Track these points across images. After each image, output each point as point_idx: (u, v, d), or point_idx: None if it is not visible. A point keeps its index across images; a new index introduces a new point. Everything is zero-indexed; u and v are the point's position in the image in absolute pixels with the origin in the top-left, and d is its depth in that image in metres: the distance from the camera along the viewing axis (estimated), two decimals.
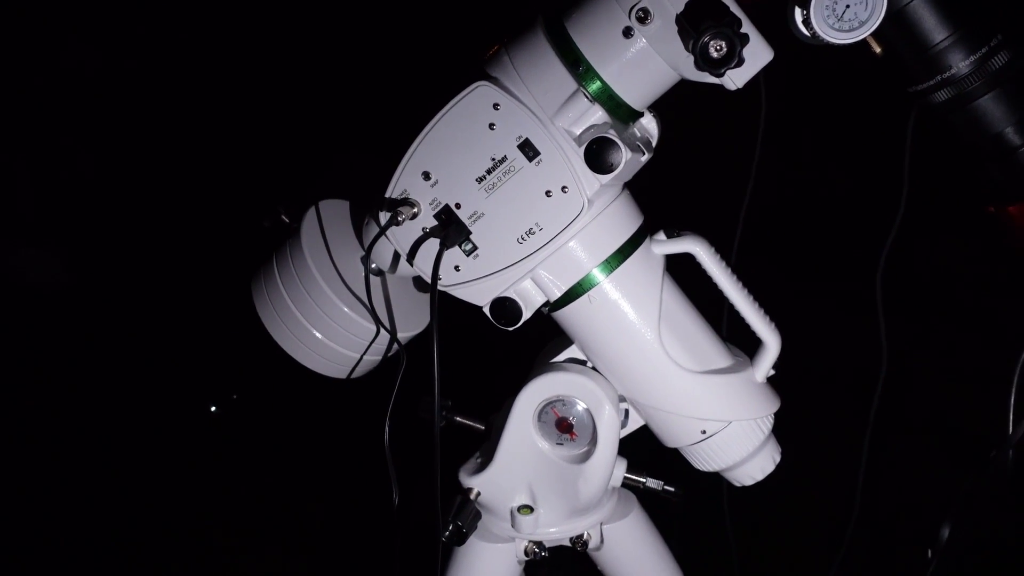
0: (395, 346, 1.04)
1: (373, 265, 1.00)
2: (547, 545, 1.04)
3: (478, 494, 1.01)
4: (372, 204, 0.95)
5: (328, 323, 1.00)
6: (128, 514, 2.44)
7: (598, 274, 0.90)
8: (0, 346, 2.98)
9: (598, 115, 0.83)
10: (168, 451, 2.64)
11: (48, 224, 3.47)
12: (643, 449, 1.04)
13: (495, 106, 0.83)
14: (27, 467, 2.54)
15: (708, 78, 0.81)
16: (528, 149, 0.83)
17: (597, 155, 0.82)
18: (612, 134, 0.81)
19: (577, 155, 0.83)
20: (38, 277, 3.21)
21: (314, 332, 1.01)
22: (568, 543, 1.05)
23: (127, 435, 2.68)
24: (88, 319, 3.09)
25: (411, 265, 0.91)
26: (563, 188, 0.84)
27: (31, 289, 3.18)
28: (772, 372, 0.96)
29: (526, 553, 1.04)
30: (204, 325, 2.69)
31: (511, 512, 1.01)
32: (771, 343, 0.94)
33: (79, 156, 3.56)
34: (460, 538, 0.97)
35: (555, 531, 1.02)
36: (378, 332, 1.00)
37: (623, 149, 0.81)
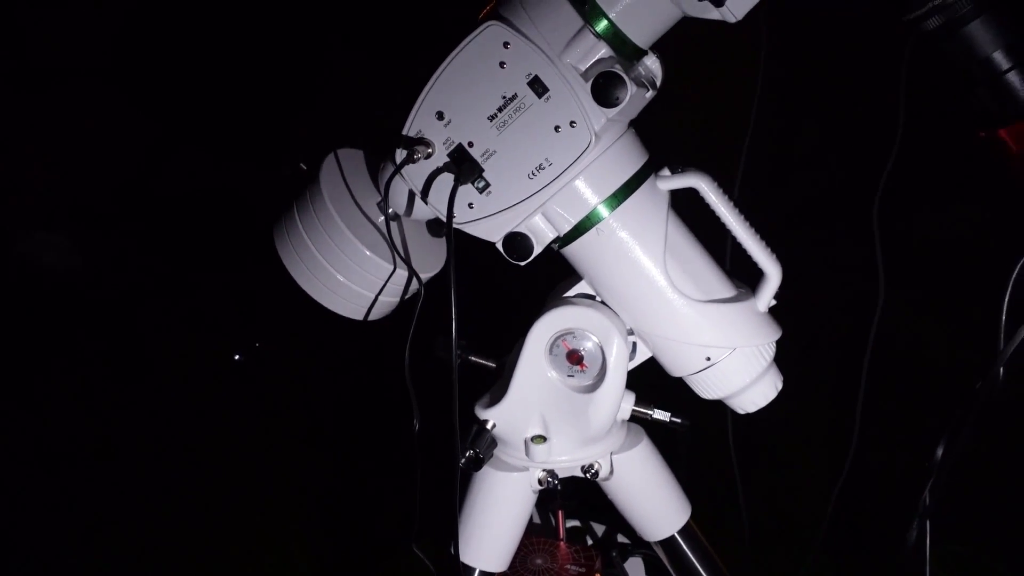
0: (412, 287, 1.08)
1: (390, 210, 1.04)
2: (559, 474, 1.09)
3: (493, 425, 1.06)
4: (387, 148, 0.98)
5: (348, 264, 1.04)
6: (164, 472, 2.52)
7: (605, 208, 0.94)
8: (16, 329, 3.03)
9: (603, 51, 0.87)
10: (191, 414, 2.71)
11: (60, 207, 3.50)
12: (649, 385, 1.09)
13: (505, 45, 0.87)
14: (42, 446, 2.60)
15: (709, 12, 0.84)
16: (537, 86, 0.87)
17: (604, 89, 0.85)
18: (618, 68, 0.85)
19: (584, 90, 0.86)
20: (51, 260, 3.24)
21: (335, 273, 1.05)
22: (579, 472, 1.09)
23: (147, 409, 2.75)
24: (102, 300, 3.14)
25: (426, 203, 0.95)
26: (571, 123, 0.88)
27: (44, 272, 3.22)
28: (774, 302, 1.01)
29: (540, 482, 1.09)
30: (222, 283, 2.75)
31: (525, 442, 1.06)
32: (772, 273, 0.98)
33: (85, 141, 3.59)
34: (477, 464, 1.02)
35: (567, 459, 1.07)
36: (395, 270, 1.04)
37: (628, 83, 0.85)
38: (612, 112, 0.86)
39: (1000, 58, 0.79)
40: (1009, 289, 0.84)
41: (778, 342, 1.01)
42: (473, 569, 1.10)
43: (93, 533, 2.31)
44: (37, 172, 3.58)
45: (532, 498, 1.11)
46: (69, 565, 2.22)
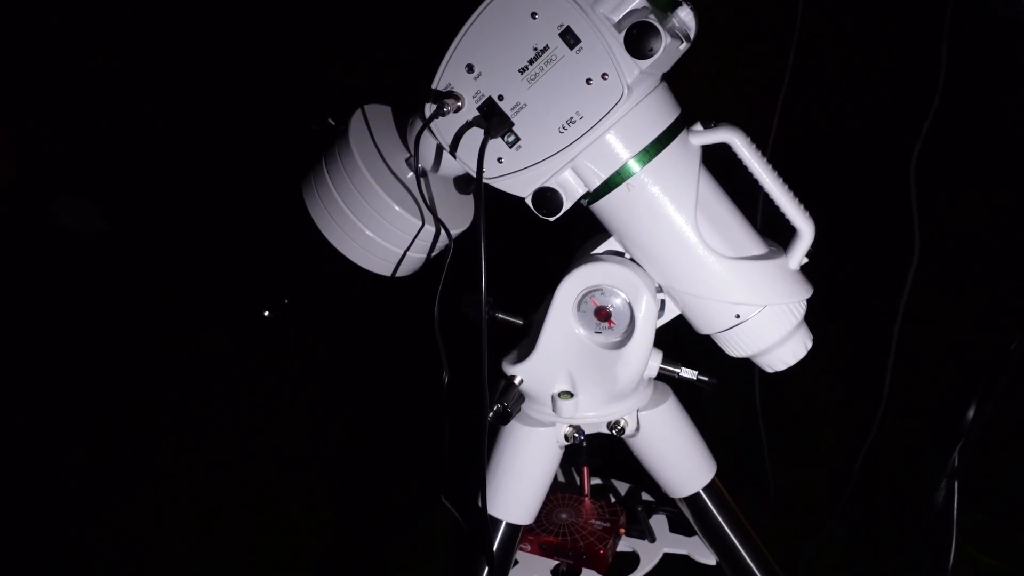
0: (439, 243, 1.08)
1: (419, 166, 1.04)
2: (585, 431, 1.10)
3: (521, 381, 1.06)
4: (416, 103, 0.98)
5: (377, 219, 1.04)
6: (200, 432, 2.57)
7: (636, 163, 0.93)
8: (40, 294, 3.08)
9: (637, 1, 0.85)
10: (221, 370, 2.76)
11: (84, 173, 3.53)
12: (677, 343, 1.09)
13: None
14: (67, 413, 2.65)
15: None
16: (569, 37, 0.86)
17: (637, 40, 0.84)
18: (652, 19, 0.83)
19: (617, 41, 0.85)
20: (75, 225, 3.27)
21: (363, 229, 1.05)
22: (606, 429, 1.10)
23: (176, 366, 2.80)
24: (128, 264, 3.17)
25: (454, 157, 0.95)
26: (603, 75, 0.86)
27: (69, 237, 3.26)
28: (806, 260, 0.99)
29: (566, 438, 1.10)
30: (250, 240, 2.77)
31: (552, 398, 1.07)
32: (805, 230, 0.97)
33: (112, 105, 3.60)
34: (505, 418, 1.03)
35: (593, 415, 1.07)
36: (423, 225, 1.04)
37: (663, 34, 0.83)
38: (645, 64, 0.85)
39: None
40: None
41: (809, 300, 1.01)
42: (500, 521, 1.12)
43: (141, 468, 2.39)
44: (61, 137, 3.60)
45: (558, 453, 1.12)
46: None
